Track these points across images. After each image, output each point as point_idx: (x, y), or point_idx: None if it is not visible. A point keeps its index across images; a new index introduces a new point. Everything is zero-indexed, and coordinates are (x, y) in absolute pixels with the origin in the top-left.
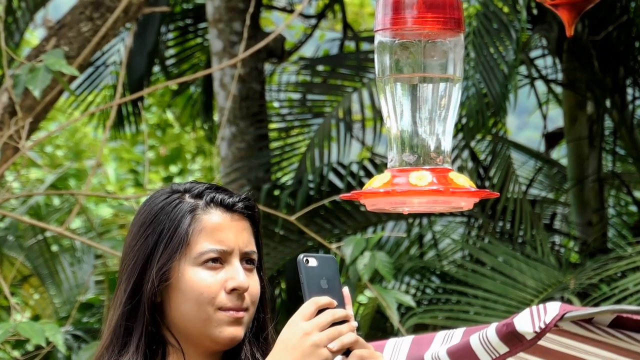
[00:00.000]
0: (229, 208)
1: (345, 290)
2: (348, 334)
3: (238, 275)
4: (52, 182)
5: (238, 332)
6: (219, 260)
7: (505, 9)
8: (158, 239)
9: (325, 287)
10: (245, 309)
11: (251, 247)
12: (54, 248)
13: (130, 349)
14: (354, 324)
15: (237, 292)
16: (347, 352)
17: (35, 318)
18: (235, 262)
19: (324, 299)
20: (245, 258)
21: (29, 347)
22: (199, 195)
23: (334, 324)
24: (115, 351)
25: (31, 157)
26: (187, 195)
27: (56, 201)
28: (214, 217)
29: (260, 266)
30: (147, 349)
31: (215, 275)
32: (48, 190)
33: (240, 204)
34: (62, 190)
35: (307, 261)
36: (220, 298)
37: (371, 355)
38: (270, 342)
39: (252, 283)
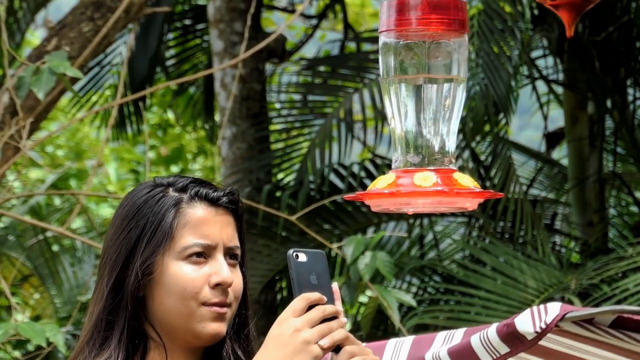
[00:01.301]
0: (213, 202)
1: (335, 285)
2: (338, 331)
3: (222, 270)
4: (53, 182)
5: (221, 328)
6: (203, 254)
7: (508, 8)
8: (141, 233)
9: (315, 283)
10: (229, 305)
11: (235, 242)
12: (55, 248)
13: (111, 343)
14: (344, 320)
15: (221, 287)
16: (337, 348)
17: (36, 318)
18: (220, 256)
19: (314, 295)
20: (229, 253)
21: (30, 347)
22: (183, 189)
23: (324, 320)
24: (97, 345)
25: (32, 157)
26: (170, 189)
27: (57, 201)
28: (198, 211)
29: (242, 262)
30: (129, 343)
31: (199, 269)
32: (49, 190)
33: (224, 199)
34: (63, 190)
35: (297, 256)
36: (204, 293)
37: (361, 352)
38: (252, 339)
39: (235, 278)
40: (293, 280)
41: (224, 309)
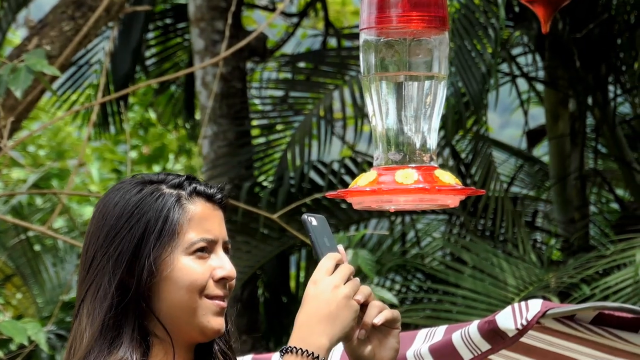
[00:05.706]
0: (210, 198)
1: (340, 247)
2: (364, 286)
3: (225, 264)
4: (35, 182)
5: (223, 323)
6: (206, 249)
7: (494, 8)
8: (145, 230)
9: (328, 245)
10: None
11: (227, 236)
12: (37, 248)
13: (123, 341)
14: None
15: (225, 281)
16: (361, 306)
17: (18, 318)
18: (220, 251)
19: (337, 255)
20: (225, 247)
21: (12, 347)
22: (179, 186)
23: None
24: (107, 344)
25: (13, 157)
26: (164, 186)
27: (38, 201)
28: (198, 207)
29: None
30: (142, 340)
31: (204, 264)
32: (30, 190)
33: (219, 195)
34: (45, 189)
35: (312, 221)
36: (209, 286)
37: (384, 306)
38: (232, 335)
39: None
40: (314, 243)
41: (225, 303)
